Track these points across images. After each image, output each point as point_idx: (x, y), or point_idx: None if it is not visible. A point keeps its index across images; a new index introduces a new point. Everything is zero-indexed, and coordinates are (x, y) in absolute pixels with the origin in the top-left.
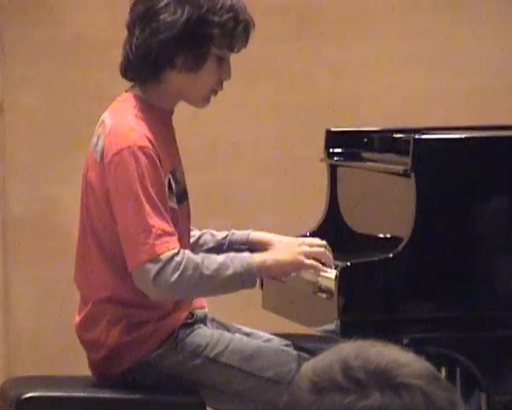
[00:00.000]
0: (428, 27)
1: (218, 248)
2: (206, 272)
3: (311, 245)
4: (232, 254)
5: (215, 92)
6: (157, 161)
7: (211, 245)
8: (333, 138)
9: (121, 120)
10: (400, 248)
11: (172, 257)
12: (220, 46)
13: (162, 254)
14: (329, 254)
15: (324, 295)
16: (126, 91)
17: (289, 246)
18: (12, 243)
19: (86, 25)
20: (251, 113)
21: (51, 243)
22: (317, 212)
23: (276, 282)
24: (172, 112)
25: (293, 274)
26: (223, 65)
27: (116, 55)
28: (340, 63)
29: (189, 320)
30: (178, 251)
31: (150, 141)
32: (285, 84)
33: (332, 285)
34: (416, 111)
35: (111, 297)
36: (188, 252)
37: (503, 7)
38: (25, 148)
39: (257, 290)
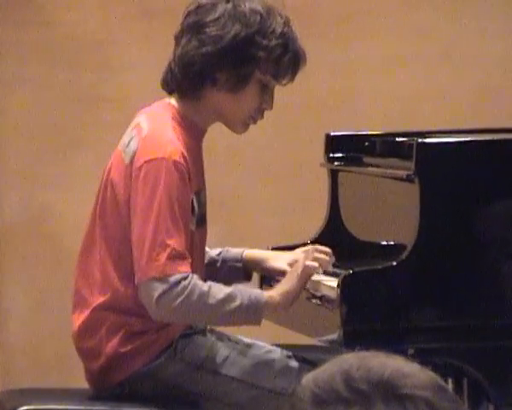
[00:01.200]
0: (430, 25)
1: (211, 265)
2: (211, 301)
3: (316, 251)
4: (241, 287)
5: (254, 120)
6: (187, 179)
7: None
8: (333, 142)
9: (160, 128)
10: (404, 255)
11: (180, 281)
12: (264, 71)
13: (171, 275)
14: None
15: (324, 304)
16: (164, 100)
17: (293, 270)
18: (4, 251)
19: (78, 25)
20: None
21: (45, 251)
22: (317, 218)
23: None
24: (205, 131)
25: None
26: (265, 93)
27: (108, 56)
28: (339, 63)
29: (189, 331)
30: (187, 275)
31: (184, 157)
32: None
33: (334, 294)
34: (420, 113)
35: (111, 303)
36: (196, 278)
37: (508, 5)
38: (16, 152)
39: None
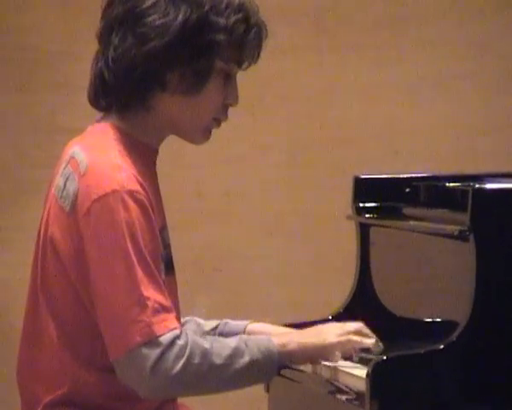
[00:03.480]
0: (490, 38)
1: None
2: (218, 360)
3: (353, 332)
4: (245, 337)
5: (218, 122)
6: (151, 212)
7: None
8: (363, 188)
9: (102, 155)
10: (454, 336)
11: (174, 340)
12: (227, 58)
13: (161, 335)
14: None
15: (350, 399)
16: (98, 121)
17: (327, 327)
18: None
19: (32, 33)
20: (251, 152)
21: None
22: (341, 287)
23: (286, 382)
24: (157, 152)
25: (308, 370)
26: (229, 85)
27: (71, 74)
28: (372, 84)
29: None
30: (180, 333)
31: (142, 185)
32: (300, 111)
33: (362, 386)
34: (476, 149)
35: (68, 398)
36: (191, 334)
37: None
38: None
39: (261, 394)
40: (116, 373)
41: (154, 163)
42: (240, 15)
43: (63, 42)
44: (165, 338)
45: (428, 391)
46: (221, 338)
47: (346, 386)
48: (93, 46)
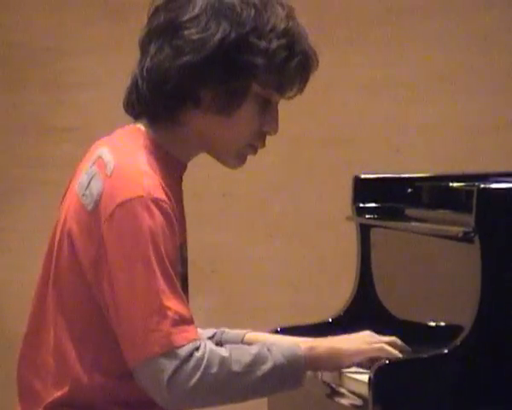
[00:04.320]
0: (492, 31)
1: None
2: (237, 368)
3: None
4: (270, 342)
5: (253, 149)
6: (175, 222)
7: None
8: (364, 188)
9: (129, 159)
10: (459, 340)
11: (192, 352)
12: (265, 83)
13: (180, 347)
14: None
15: (352, 404)
16: (130, 125)
17: (349, 335)
18: None
19: (20, 29)
20: None
21: None
22: (341, 290)
23: None
24: (185, 166)
25: (309, 374)
26: (267, 112)
27: (60, 71)
28: (374, 81)
29: None
30: (199, 344)
31: (167, 194)
32: (299, 110)
33: (364, 391)
34: (481, 149)
35: (70, 399)
36: (209, 343)
37: None
38: None
39: (261, 400)
40: (134, 379)
41: (181, 177)
42: (283, 41)
43: (51, 39)
44: (184, 350)
45: (432, 396)
46: (242, 345)
47: (348, 390)
48: (82, 43)
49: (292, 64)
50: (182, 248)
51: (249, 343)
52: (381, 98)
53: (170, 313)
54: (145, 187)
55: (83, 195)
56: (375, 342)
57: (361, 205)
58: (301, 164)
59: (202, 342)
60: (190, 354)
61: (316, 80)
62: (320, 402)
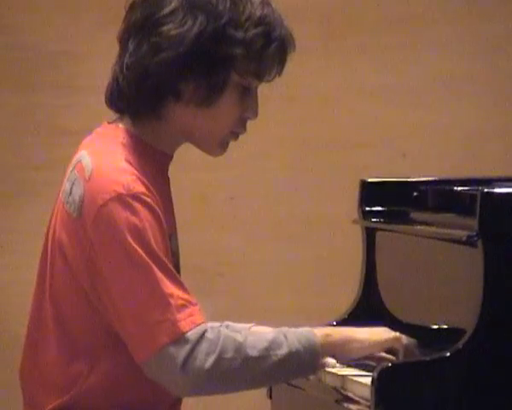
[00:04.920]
0: (499, 37)
1: None
2: (252, 352)
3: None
4: (285, 329)
5: (235, 136)
6: (159, 212)
7: None
8: (370, 191)
9: (106, 159)
10: (461, 344)
11: (203, 334)
12: (244, 72)
13: (189, 331)
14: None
15: (355, 407)
16: (110, 123)
17: (374, 329)
18: None
19: (31, 32)
20: (255, 155)
21: None
22: (346, 292)
23: (290, 389)
24: (171, 157)
25: (312, 378)
26: (247, 98)
27: (72, 73)
28: (381, 87)
29: None
30: (207, 327)
31: (147, 187)
32: (306, 114)
33: (367, 393)
34: (486, 153)
35: (72, 404)
36: (223, 328)
37: None
38: None
39: (265, 401)
40: (146, 374)
41: (167, 169)
42: (259, 29)
43: (65, 42)
44: (193, 333)
45: (434, 399)
46: (257, 330)
47: (351, 393)
48: (95, 46)
49: (270, 50)
50: (171, 238)
51: None
52: (388, 104)
53: (172, 300)
54: (124, 184)
55: (67, 202)
56: (392, 335)
57: (367, 209)
58: (308, 168)
59: (214, 325)
60: (201, 338)
61: (324, 86)
62: (323, 405)
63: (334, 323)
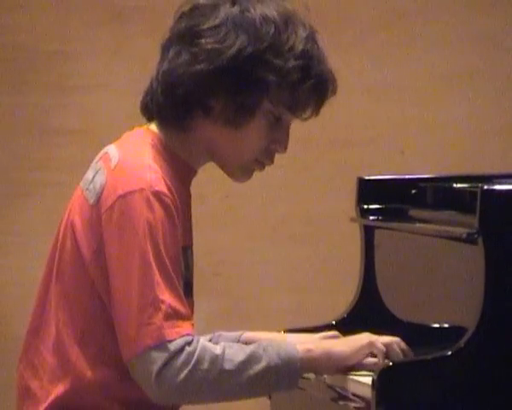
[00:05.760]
0: (497, 32)
1: None
2: (228, 366)
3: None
4: (266, 342)
5: (261, 165)
6: (176, 217)
7: None
8: (368, 189)
9: (134, 154)
10: (462, 342)
11: (183, 347)
12: (277, 101)
13: (171, 341)
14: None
15: (356, 407)
16: (141, 126)
17: (351, 338)
18: None
19: (23, 31)
20: None
21: None
22: (345, 291)
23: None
24: (195, 172)
25: (313, 378)
26: (277, 130)
27: (65, 73)
28: (379, 84)
29: None
30: (191, 339)
31: (170, 188)
32: None
33: (367, 393)
34: (485, 151)
35: (72, 395)
36: (203, 340)
37: None
38: None
39: (264, 401)
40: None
41: (190, 181)
42: (300, 62)
43: (57, 42)
44: (174, 344)
45: (436, 398)
46: (238, 344)
47: (351, 393)
48: (88, 46)
49: (306, 86)
50: (186, 251)
51: (247, 343)
52: (386, 100)
53: (163, 307)
54: (147, 180)
55: (86, 189)
56: (373, 343)
57: (365, 206)
58: (305, 166)
59: (196, 338)
60: (181, 349)
61: None
62: (323, 405)
63: (334, 322)
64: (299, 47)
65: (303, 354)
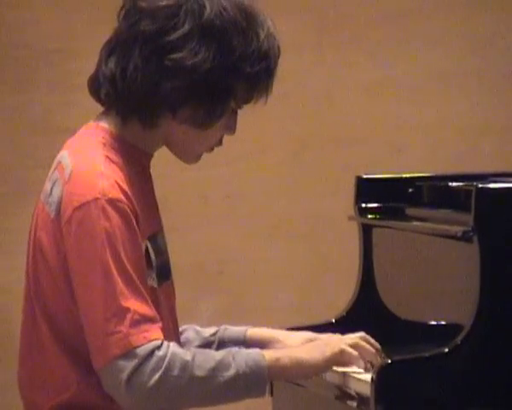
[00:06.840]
0: (493, 32)
1: (205, 348)
2: (199, 372)
3: (363, 339)
4: (235, 350)
5: (212, 149)
6: (133, 221)
7: (195, 344)
8: (366, 188)
9: (86, 161)
10: (459, 339)
11: (153, 352)
12: (240, 100)
13: (139, 346)
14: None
15: (355, 404)
16: (95, 120)
17: (322, 343)
18: None
19: (28, 29)
20: (253, 153)
21: None
22: (344, 289)
23: (291, 386)
24: (151, 156)
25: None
26: (231, 118)
27: (69, 72)
28: (376, 82)
29: None
30: (161, 344)
31: (125, 192)
32: (301, 110)
33: (366, 390)
34: (481, 149)
35: (72, 402)
36: (174, 345)
37: None
38: None
39: (265, 398)
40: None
41: (148, 167)
42: (263, 64)
43: (60, 40)
44: (143, 350)
45: (433, 395)
46: (208, 350)
47: (352, 390)
48: (90, 44)
49: (266, 82)
50: (156, 238)
51: (252, 339)
52: (383, 99)
53: (128, 315)
54: (100, 189)
55: (47, 203)
56: (344, 351)
57: (363, 205)
58: (304, 165)
59: (166, 342)
60: (151, 353)
61: (318, 81)
62: (323, 402)
63: (333, 321)
64: (263, 48)
65: (270, 363)
